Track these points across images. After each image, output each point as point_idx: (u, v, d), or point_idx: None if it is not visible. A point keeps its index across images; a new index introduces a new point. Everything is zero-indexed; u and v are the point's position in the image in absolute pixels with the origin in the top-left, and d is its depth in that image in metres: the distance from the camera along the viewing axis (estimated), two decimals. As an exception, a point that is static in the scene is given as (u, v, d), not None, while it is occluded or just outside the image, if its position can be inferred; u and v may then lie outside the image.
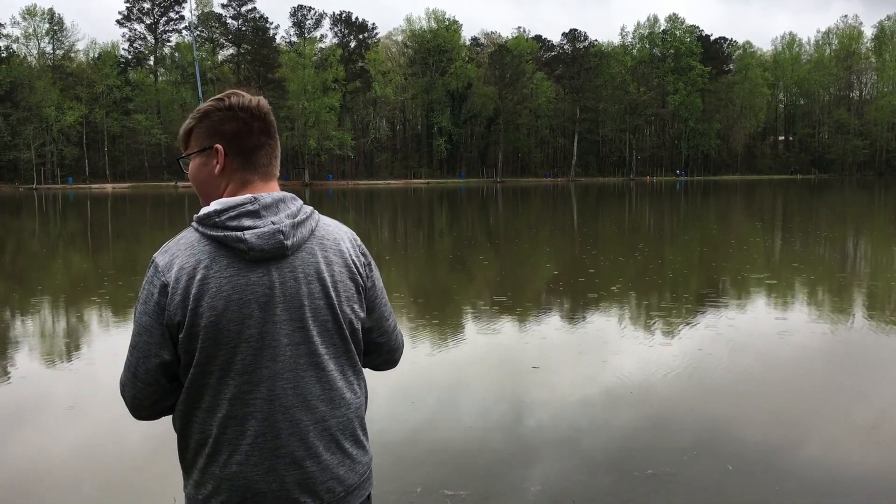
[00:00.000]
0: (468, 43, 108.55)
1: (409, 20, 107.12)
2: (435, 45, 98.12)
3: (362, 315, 1.86)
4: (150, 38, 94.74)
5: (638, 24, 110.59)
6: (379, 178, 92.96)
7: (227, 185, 1.78)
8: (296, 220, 1.74)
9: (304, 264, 1.74)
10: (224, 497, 1.71)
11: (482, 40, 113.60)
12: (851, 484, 4.44)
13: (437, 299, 11.32)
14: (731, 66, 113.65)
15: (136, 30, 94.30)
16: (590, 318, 9.59)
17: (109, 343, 8.43)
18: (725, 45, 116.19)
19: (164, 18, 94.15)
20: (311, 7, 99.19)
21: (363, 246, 1.92)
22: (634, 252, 17.13)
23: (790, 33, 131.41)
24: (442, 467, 4.69)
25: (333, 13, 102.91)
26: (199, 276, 1.65)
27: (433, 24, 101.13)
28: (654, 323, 9.13)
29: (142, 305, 1.71)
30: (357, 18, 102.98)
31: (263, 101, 1.80)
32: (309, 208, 1.81)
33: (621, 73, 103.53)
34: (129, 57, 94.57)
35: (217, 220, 1.68)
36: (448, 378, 6.91)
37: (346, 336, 1.81)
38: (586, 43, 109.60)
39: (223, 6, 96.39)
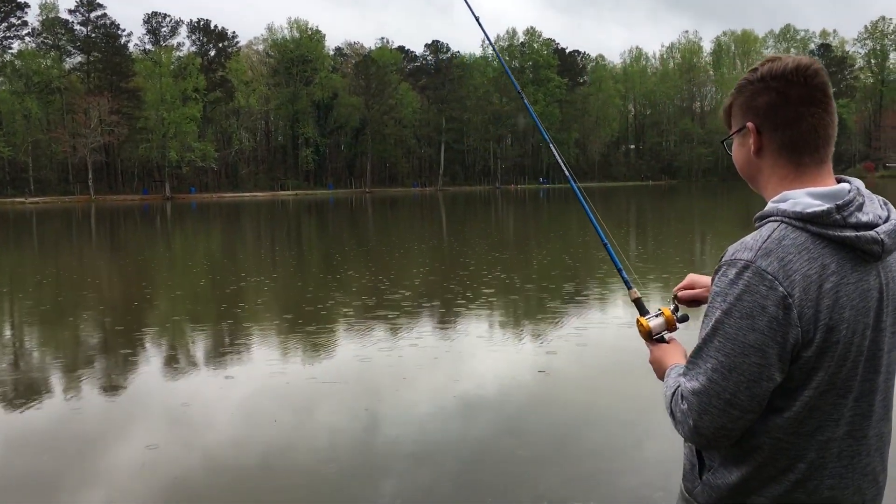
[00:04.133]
0: (332, 53, 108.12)
1: (270, 29, 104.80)
2: (298, 54, 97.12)
3: None
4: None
5: (498, 36, 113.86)
6: (244, 190, 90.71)
7: (772, 168, 1.59)
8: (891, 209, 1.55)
9: (894, 261, 1.55)
10: None
11: (346, 50, 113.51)
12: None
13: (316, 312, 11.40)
14: (586, 78, 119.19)
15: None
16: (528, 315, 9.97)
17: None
18: (580, 58, 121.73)
19: (4, 24, 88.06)
20: (166, 14, 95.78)
21: None
22: (503, 255, 17.79)
23: (637, 47, 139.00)
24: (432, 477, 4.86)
25: (191, 20, 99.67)
26: (828, 285, 1.43)
27: (296, 34, 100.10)
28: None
29: (745, 321, 1.44)
30: (216, 26, 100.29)
31: (805, 63, 1.53)
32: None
33: (484, 84, 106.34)
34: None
35: (837, 217, 1.46)
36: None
37: None
38: (449, 54, 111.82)
39: (70, 12, 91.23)
